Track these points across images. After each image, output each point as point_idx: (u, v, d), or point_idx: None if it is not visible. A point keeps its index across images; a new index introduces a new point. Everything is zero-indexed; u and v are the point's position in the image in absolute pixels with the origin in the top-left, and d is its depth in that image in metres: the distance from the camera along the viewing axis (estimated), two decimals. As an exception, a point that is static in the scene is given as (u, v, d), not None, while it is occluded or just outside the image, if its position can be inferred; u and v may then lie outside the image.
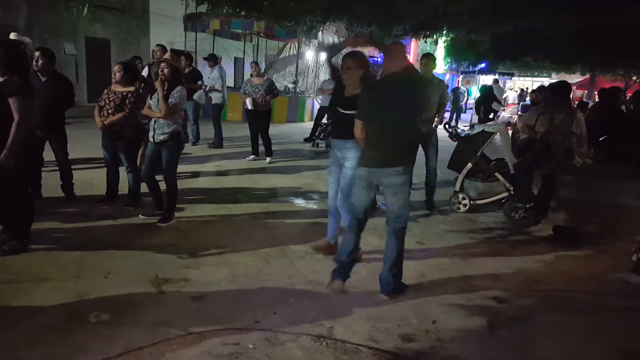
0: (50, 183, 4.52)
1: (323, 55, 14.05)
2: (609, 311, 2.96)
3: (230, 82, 13.60)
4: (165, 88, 3.78)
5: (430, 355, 2.33)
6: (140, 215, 4.07)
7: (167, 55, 4.05)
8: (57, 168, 4.48)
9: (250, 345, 2.29)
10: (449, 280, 3.21)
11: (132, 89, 4.13)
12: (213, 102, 7.87)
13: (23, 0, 11.41)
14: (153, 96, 3.88)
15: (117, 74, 4.11)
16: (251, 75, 7.09)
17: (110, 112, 4.07)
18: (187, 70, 7.57)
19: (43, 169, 4.64)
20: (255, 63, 7.23)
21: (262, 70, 7.43)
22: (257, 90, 6.76)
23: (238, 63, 16.76)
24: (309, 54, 14.35)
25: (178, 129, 3.91)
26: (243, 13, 10.31)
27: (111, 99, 4.09)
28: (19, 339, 2.24)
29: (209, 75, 7.86)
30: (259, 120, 6.92)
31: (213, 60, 8.11)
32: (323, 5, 6.77)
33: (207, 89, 7.70)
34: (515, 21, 7.26)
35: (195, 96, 7.67)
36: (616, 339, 2.61)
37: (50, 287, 2.76)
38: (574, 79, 20.13)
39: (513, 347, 2.48)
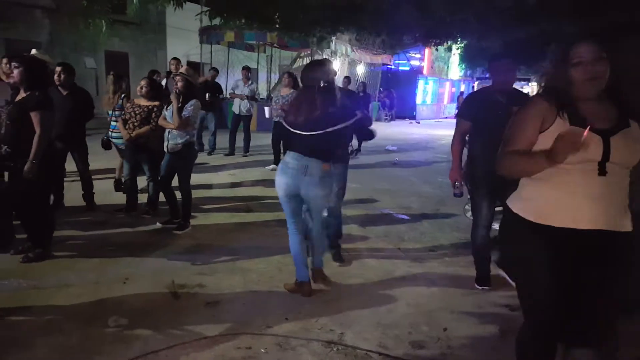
0: (72, 193, 4.68)
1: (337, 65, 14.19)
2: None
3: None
4: (180, 101, 3.90)
5: (440, 361, 2.35)
6: (157, 224, 4.17)
7: (182, 70, 4.19)
8: (78, 178, 4.64)
9: (262, 350, 2.35)
10: (461, 287, 3.21)
11: (157, 103, 4.26)
12: (250, 112, 8.21)
13: (45, 17, 11.88)
14: (168, 107, 4.02)
15: (144, 89, 4.23)
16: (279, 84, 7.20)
17: (136, 124, 4.19)
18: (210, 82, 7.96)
19: (65, 179, 4.80)
20: (288, 74, 7.20)
21: (281, 80, 7.64)
22: (281, 100, 6.87)
23: (252, 73, 17.00)
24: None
25: (191, 140, 4.01)
26: (256, 25, 10.51)
27: (137, 112, 4.22)
28: (42, 341, 2.34)
29: (247, 87, 8.17)
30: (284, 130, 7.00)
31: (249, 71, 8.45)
32: (331, 17, 6.85)
33: (250, 98, 8.00)
34: (526, 27, 7.21)
35: (242, 106, 8.04)
36: (630, 345, 2.56)
37: (71, 292, 2.87)
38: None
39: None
